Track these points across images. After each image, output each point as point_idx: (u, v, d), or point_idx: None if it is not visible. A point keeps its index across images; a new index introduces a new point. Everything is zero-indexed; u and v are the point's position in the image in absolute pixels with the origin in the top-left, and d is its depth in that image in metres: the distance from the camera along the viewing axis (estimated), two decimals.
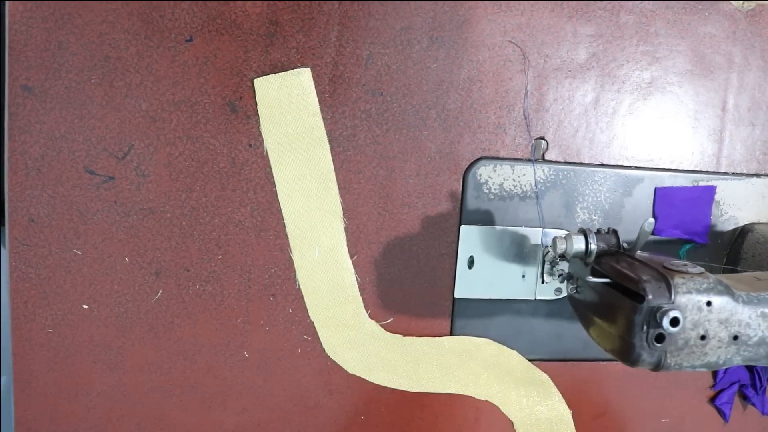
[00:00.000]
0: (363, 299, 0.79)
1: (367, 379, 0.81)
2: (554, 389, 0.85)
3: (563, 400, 0.85)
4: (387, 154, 0.77)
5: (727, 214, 0.86)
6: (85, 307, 0.74)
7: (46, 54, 0.69)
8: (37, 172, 0.71)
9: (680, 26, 0.81)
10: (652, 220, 0.64)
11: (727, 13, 0.82)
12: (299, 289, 0.77)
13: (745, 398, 0.92)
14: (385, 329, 0.80)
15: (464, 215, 0.79)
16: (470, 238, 0.80)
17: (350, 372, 0.80)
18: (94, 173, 0.72)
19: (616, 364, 0.86)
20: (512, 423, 0.85)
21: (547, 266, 0.81)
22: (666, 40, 0.81)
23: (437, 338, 0.82)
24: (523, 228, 0.81)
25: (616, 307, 0.61)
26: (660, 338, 0.57)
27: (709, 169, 0.85)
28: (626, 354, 0.59)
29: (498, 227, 0.80)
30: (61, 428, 0.76)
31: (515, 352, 0.83)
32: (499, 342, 0.83)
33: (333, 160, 0.76)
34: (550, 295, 0.83)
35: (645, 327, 0.57)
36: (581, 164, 0.82)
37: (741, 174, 0.86)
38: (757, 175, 0.86)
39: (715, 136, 0.85)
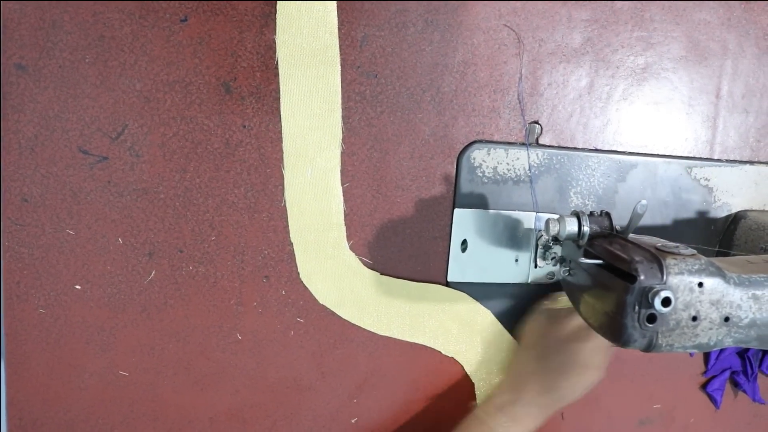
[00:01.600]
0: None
1: (337, 312, 0.80)
2: None
3: None
4: (381, 136, 0.78)
5: (720, 200, 0.87)
6: (78, 287, 0.74)
7: (40, 32, 0.69)
8: (30, 151, 0.71)
9: (675, 12, 0.82)
10: (644, 201, 0.64)
11: (722, 0, 0.83)
12: (285, 207, 0.77)
13: (736, 385, 0.93)
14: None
15: (458, 199, 0.80)
16: (464, 221, 0.80)
17: (320, 302, 0.79)
18: (88, 153, 0.72)
19: None
20: (474, 385, 0.85)
21: (540, 250, 0.81)
22: (661, 26, 0.82)
23: (415, 282, 0.82)
24: (517, 212, 0.82)
25: (609, 288, 0.61)
26: (651, 318, 0.58)
27: (702, 156, 0.86)
28: (618, 334, 0.60)
29: (491, 211, 0.81)
30: (53, 409, 0.77)
31: (490, 313, 0.84)
32: None
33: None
34: (543, 280, 0.83)
35: (637, 307, 0.58)
36: (575, 149, 0.82)
37: (734, 161, 0.87)
38: (751, 162, 0.87)
39: (709, 123, 0.85)
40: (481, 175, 0.80)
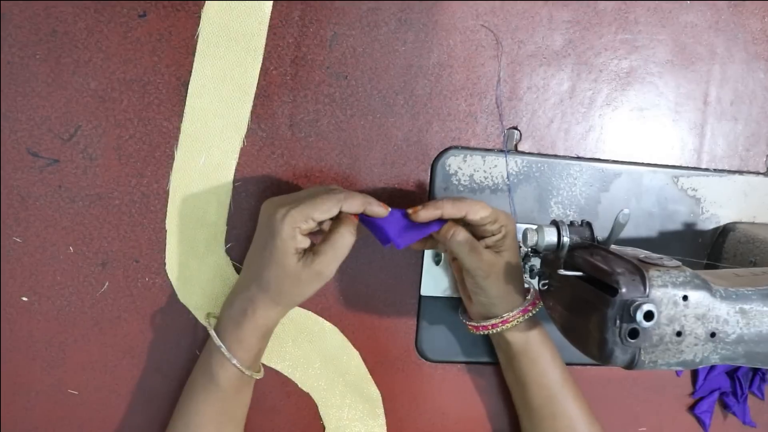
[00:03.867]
0: (324, 296, 0.78)
1: (195, 315, 0.76)
2: (381, 411, 0.82)
3: (385, 427, 0.83)
4: (351, 141, 0.76)
5: (708, 212, 0.85)
6: (24, 299, 0.72)
7: None
8: None
9: (661, 14, 0.81)
10: (627, 210, 0.63)
11: (710, 2, 0.82)
12: (168, 192, 0.74)
13: (725, 407, 0.92)
14: (348, 329, 0.79)
15: None
16: None
17: (181, 300, 0.76)
18: (38, 155, 0.70)
19: (591, 369, 0.86)
20: (323, 428, 0.82)
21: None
22: (646, 29, 0.81)
23: None
24: None
25: (589, 302, 0.60)
26: (633, 333, 0.57)
27: (689, 165, 0.85)
28: (599, 350, 0.59)
29: None
30: None
31: (357, 354, 0.81)
32: (465, 345, 0.82)
33: (294, 145, 0.75)
34: None
35: (618, 321, 0.57)
36: (556, 156, 0.81)
37: (723, 170, 0.86)
38: (740, 172, 0.86)
39: (697, 131, 0.84)
40: (456, 183, 0.79)
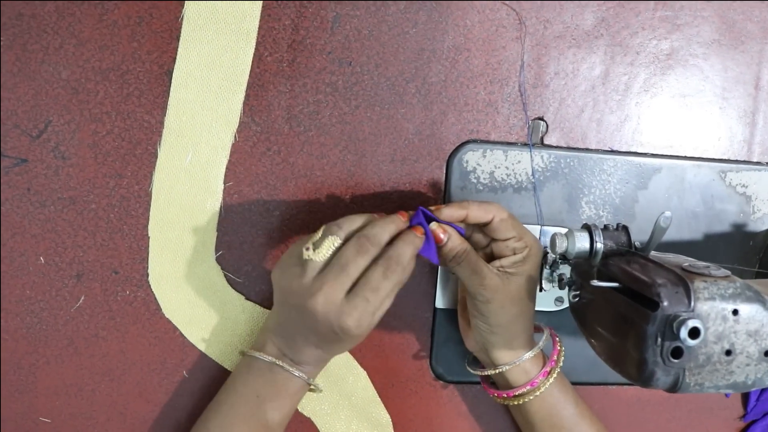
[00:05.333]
0: None
1: (180, 329, 0.76)
2: None
3: None
4: (357, 135, 0.76)
5: (760, 211, 0.85)
6: None
7: None
8: None
9: None
10: (669, 213, 0.62)
11: None
12: (150, 194, 0.74)
13: None
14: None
15: None
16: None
17: (165, 314, 0.76)
18: (3, 155, 0.70)
19: (628, 389, 0.86)
20: None
21: (546, 271, 0.79)
22: (689, 4, 0.81)
23: None
24: None
25: (626, 317, 0.60)
26: (677, 353, 0.56)
27: (738, 158, 0.85)
28: (638, 372, 0.58)
29: None
30: None
31: (365, 374, 0.81)
32: None
33: (292, 141, 0.75)
34: (550, 306, 0.82)
35: (659, 339, 0.56)
36: (587, 150, 0.81)
37: None
38: None
39: (747, 119, 0.84)
40: (475, 181, 0.79)
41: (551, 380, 0.72)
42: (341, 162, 0.76)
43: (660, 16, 0.81)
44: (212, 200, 0.74)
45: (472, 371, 0.77)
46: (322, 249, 0.64)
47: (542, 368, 0.73)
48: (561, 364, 0.74)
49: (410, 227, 0.66)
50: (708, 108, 0.83)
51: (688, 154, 0.84)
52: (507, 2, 0.77)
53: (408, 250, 0.65)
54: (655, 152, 0.83)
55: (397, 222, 0.66)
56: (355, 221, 0.66)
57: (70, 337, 0.74)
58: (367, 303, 0.63)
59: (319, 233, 0.65)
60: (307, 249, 0.65)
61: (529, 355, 0.72)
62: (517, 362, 0.72)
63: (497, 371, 0.73)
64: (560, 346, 0.74)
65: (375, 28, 0.75)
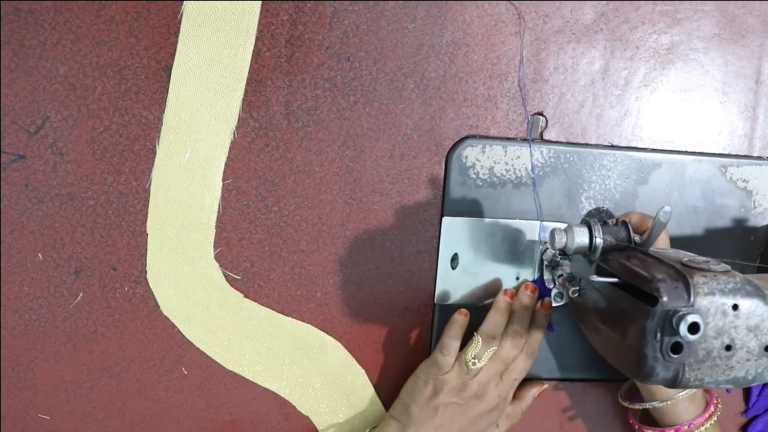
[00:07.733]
0: (325, 306, 0.78)
1: (180, 329, 0.76)
2: None
3: None
4: (355, 131, 0.76)
5: (761, 206, 0.85)
6: None
7: None
8: None
9: None
10: (668, 208, 0.62)
11: None
12: (148, 190, 0.74)
13: None
14: (354, 345, 0.79)
15: (447, 205, 0.79)
16: (454, 232, 0.79)
17: (163, 311, 0.76)
18: (1, 151, 0.70)
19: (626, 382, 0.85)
20: None
21: (545, 266, 0.80)
22: None
23: (282, 316, 0.78)
24: (517, 221, 0.80)
25: (625, 312, 0.60)
26: (677, 348, 0.56)
27: (739, 153, 0.85)
28: (637, 367, 0.59)
29: (487, 219, 0.79)
30: None
31: (363, 372, 0.81)
32: None
33: (290, 137, 0.75)
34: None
35: (659, 335, 0.57)
36: (587, 145, 0.81)
37: None
38: None
39: (747, 114, 0.84)
40: (474, 176, 0.79)
41: (711, 423, 0.75)
42: (340, 158, 0.76)
43: (660, 10, 0.81)
44: (210, 197, 0.74)
45: (624, 404, 0.80)
46: (484, 359, 0.74)
47: (704, 409, 0.75)
48: (720, 407, 0.76)
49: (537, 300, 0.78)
50: (708, 103, 0.83)
51: (689, 149, 0.84)
52: None
53: (541, 334, 0.77)
54: (655, 147, 0.83)
55: (531, 302, 0.77)
56: (501, 323, 0.75)
57: (69, 334, 0.74)
58: (515, 382, 0.77)
59: (478, 344, 0.74)
60: (474, 363, 0.73)
61: (688, 391, 0.74)
62: (677, 397, 0.74)
63: (655, 405, 0.75)
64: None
65: (373, 23, 0.75)
